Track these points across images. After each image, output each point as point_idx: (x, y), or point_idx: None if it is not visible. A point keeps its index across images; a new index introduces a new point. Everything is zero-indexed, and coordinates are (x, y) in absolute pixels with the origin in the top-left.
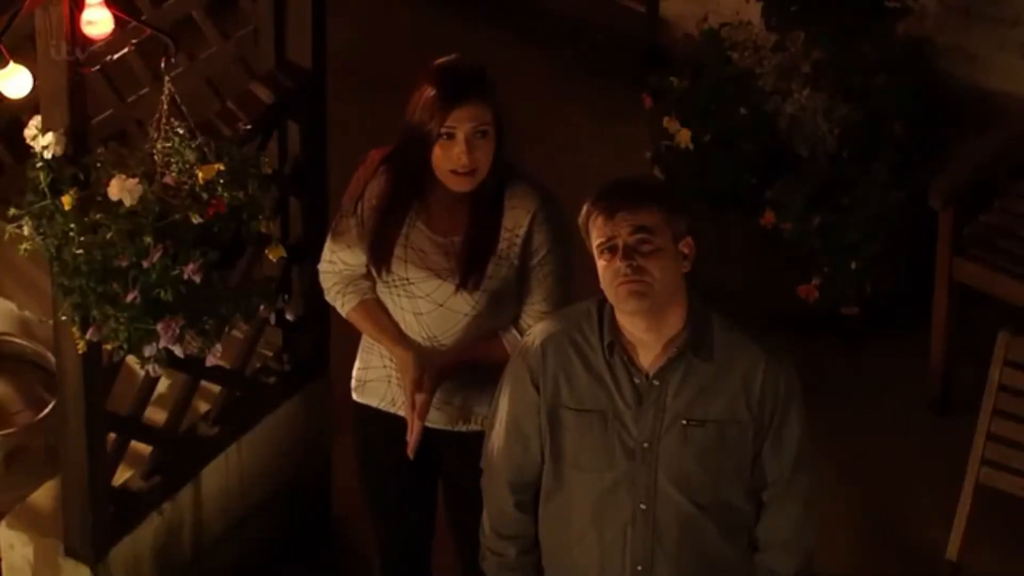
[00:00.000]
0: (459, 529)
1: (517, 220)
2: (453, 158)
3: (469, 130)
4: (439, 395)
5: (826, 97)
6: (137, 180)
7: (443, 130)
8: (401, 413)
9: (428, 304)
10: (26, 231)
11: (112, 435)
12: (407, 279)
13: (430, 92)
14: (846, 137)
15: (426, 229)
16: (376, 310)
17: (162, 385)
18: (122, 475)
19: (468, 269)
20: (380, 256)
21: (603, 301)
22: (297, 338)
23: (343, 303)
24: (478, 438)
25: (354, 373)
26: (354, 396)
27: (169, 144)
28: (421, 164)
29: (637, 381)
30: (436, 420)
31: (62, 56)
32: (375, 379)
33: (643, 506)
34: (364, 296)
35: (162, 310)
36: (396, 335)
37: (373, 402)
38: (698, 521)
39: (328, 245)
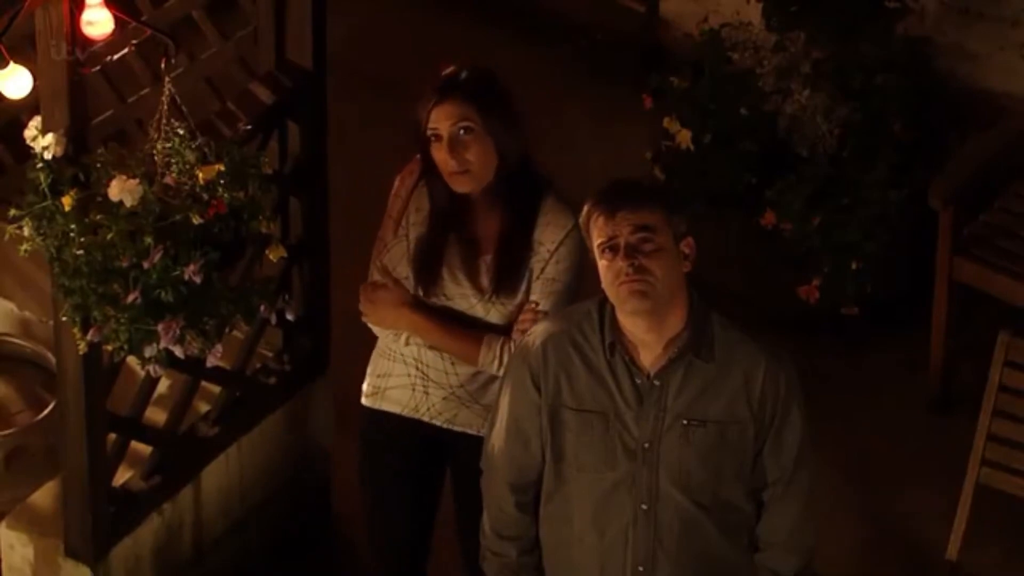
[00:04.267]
0: (467, 532)
1: (553, 236)
2: (443, 159)
3: (451, 128)
4: (466, 393)
5: (826, 97)
6: (137, 181)
7: (429, 132)
8: (425, 419)
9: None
10: (26, 232)
11: (112, 435)
12: (446, 295)
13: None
14: (846, 137)
15: (461, 246)
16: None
17: (162, 385)
18: (122, 475)
19: (500, 280)
20: (430, 277)
21: (604, 301)
22: (297, 338)
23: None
24: None
25: (370, 380)
26: (368, 403)
27: (169, 144)
28: (435, 170)
29: (638, 381)
30: (461, 421)
31: (62, 56)
32: (398, 386)
33: (644, 506)
34: None
35: (162, 311)
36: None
37: (395, 409)
38: (699, 521)
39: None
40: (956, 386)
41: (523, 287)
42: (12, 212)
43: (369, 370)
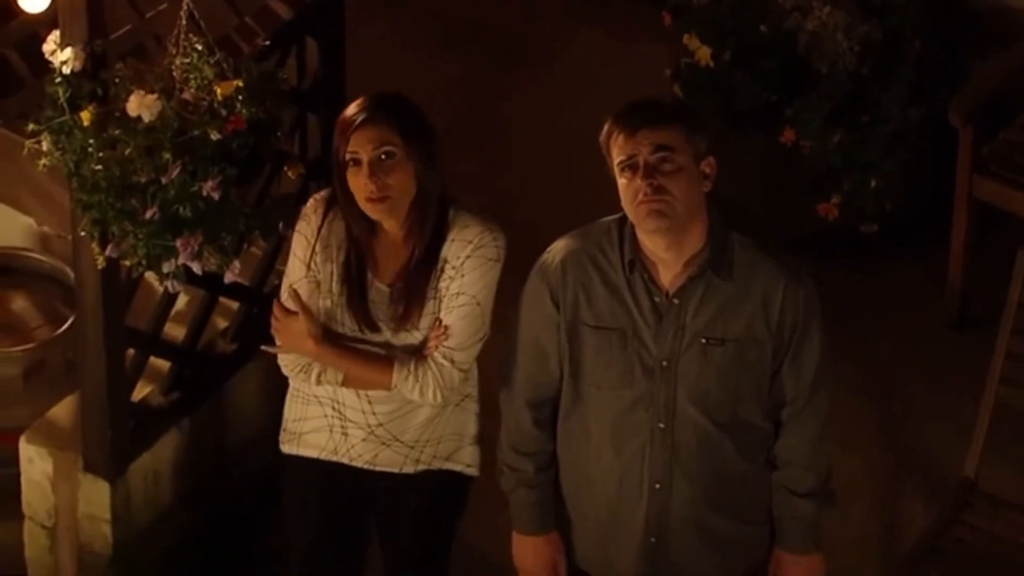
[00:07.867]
0: None
1: (458, 252)
2: (361, 185)
3: (372, 153)
4: (386, 432)
5: (846, 14)
6: (156, 96)
7: (348, 155)
8: (345, 461)
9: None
10: (45, 146)
11: (131, 351)
12: (360, 330)
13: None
14: (866, 54)
15: (375, 279)
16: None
17: (180, 301)
18: (141, 391)
19: (409, 306)
20: (364, 315)
21: (623, 218)
22: None
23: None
24: (429, 480)
25: (285, 425)
26: (286, 449)
27: (188, 60)
28: (349, 196)
29: (657, 299)
30: (383, 461)
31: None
32: (314, 430)
33: (661, 424)
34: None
35: (180, 226)
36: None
37: (313, 453)
38: (716, 440)
39: None
40: (974, 305)
41: (434, 309)
42: (30, 127)
43: (284, 415)
